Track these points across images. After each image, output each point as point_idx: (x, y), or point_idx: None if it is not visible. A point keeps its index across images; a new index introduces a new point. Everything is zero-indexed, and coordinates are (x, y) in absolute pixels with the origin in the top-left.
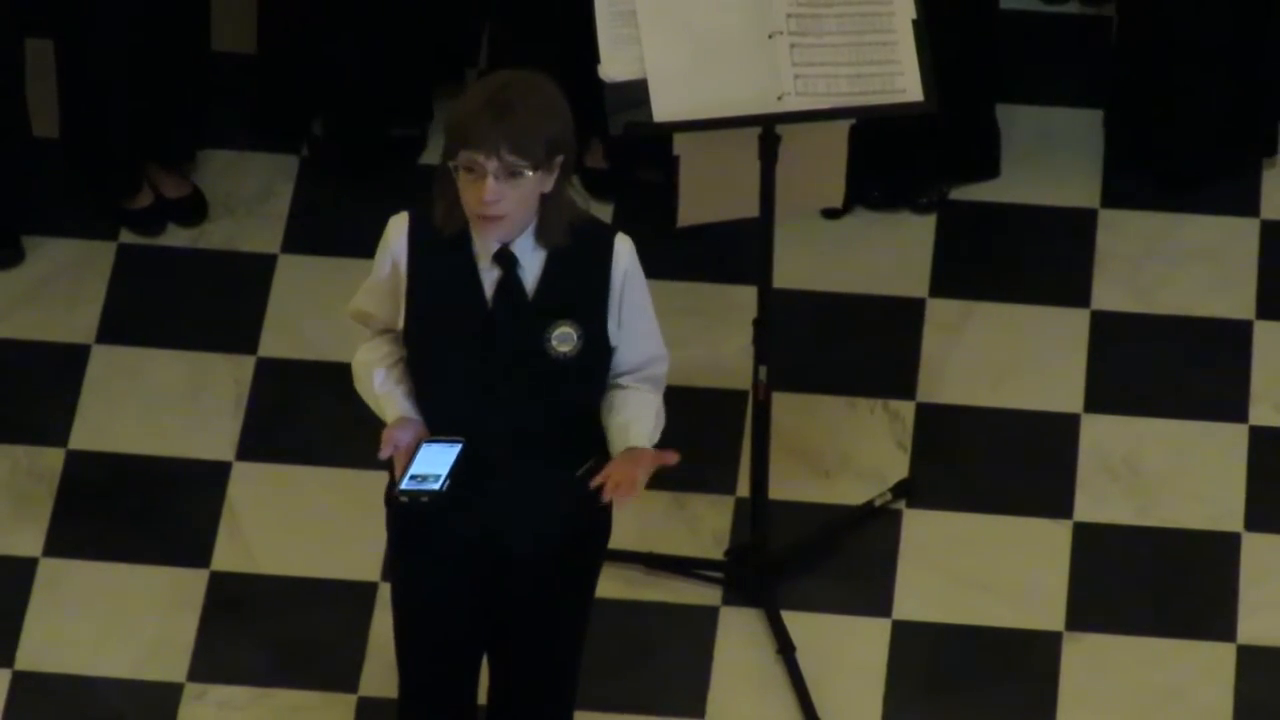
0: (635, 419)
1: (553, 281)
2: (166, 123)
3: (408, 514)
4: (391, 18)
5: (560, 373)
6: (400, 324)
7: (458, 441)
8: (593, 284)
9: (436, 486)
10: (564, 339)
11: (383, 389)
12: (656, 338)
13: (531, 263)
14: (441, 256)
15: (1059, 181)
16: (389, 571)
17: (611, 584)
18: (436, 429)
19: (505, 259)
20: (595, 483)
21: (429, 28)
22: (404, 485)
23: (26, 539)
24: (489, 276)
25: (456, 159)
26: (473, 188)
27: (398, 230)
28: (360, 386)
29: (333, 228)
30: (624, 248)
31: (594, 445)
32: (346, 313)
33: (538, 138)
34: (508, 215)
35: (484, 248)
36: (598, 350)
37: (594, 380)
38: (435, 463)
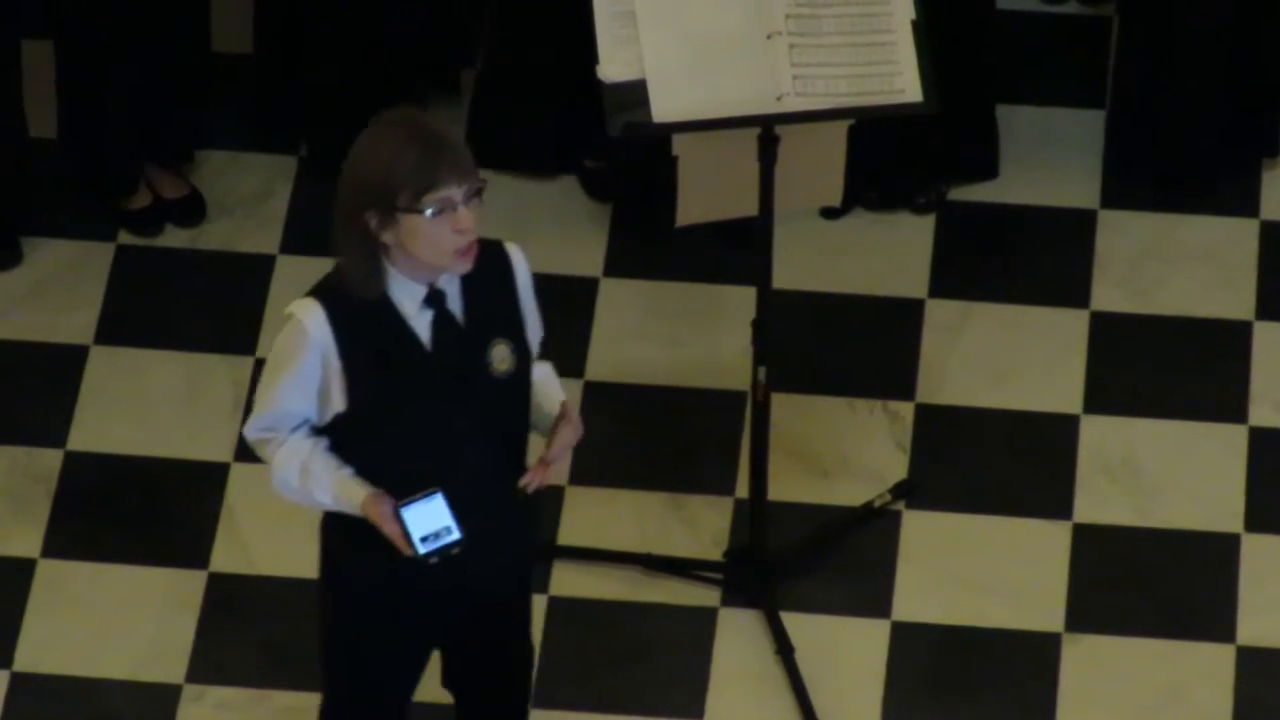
0: (544, 380)
1: (474, 306)
2: (165, 123)
3: (408, 569)
4: (388, 18)
5: (506, 392)
6: (327, 413)
7: (433, 493)
8: (505, 296)
9: (457, 536)
10: (502, 358)
11: (328, 475)
12: (540, 322)
13: (452, 294)
14: (367, 327)
15: (1058, 182)
16: (340, 616)
17: (610, 585)
18: (404, 490)
19: (436, 297)
20: (551, 455)
21: (425, 28)
22: (425, 550)
23: (25, 540)
24: (420, 323)
25: (419, 205)
26: (445, 225)
27: (316, 323)
28: (297, 486)
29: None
30: (518, 254)
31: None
32: (250, 437)
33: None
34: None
35: (406, 296)
36: (527, 359)
37: (528, 390)
38: (432, 519)
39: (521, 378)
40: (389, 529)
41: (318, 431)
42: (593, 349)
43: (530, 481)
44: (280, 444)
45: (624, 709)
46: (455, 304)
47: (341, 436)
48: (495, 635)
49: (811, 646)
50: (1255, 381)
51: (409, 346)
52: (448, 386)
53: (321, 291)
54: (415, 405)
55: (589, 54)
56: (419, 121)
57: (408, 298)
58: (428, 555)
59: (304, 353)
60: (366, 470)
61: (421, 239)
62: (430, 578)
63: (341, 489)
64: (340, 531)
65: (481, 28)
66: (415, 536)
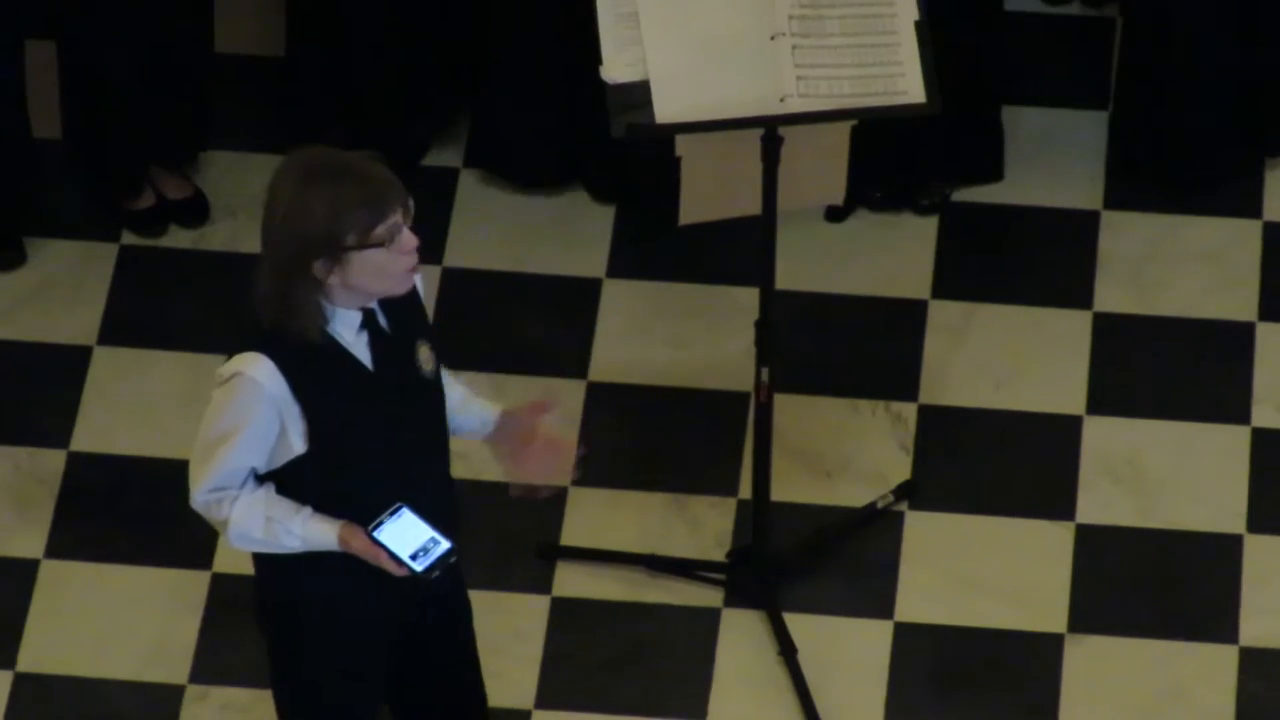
0: (466, 386)
1: (394, 316)
2: (169, 124)
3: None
4: (408, 21)
5: (436, 391)
6: (280, 460)
7: (398, 509)
8: (412, 296)
9: (448, 545)
10: (427, 357)
11: (292, 519)
12: None
13: (377, 308)
14: (315, 366)
15: (1062, 183)
16: (294, 653)
17: (613, 586)
18: (366, 516)
19: (369, 318)
20: (537, 479)
21: (442, 30)
22: (421, 567)
23: (28, 541)
24: (359, 347)
25: (370, 240)
26: (394, 250)
27: (268, 376)
28: (261, 537)
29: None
30: None
31: None
32: (200, 503)
33: None
34: None
35: (344, 326)
36: (439, 354)
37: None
38: (410, 535)
39: (439, 375)
40: (374, 556)
41: (260, 476)
42: (596, 350)
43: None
44: (234, 500)
45: (626, 710)
46: (381, 318)
47: (296, 476)
48: (461, 627)
49: (814, 647)
50: (1258, 382)
51: (356, 374)
52: (394, 400)
53: (261, 342)
54: (371, 428)
55: (592, 56)
56: (339, 161)
57: (345, 327)
58: (428, 571)
59: (260, 409)
60: (324, 504)
61: (373, 270)
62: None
63: (310, 530)
64: (282, 571)
65: (485, 32)
66: (404, 556)
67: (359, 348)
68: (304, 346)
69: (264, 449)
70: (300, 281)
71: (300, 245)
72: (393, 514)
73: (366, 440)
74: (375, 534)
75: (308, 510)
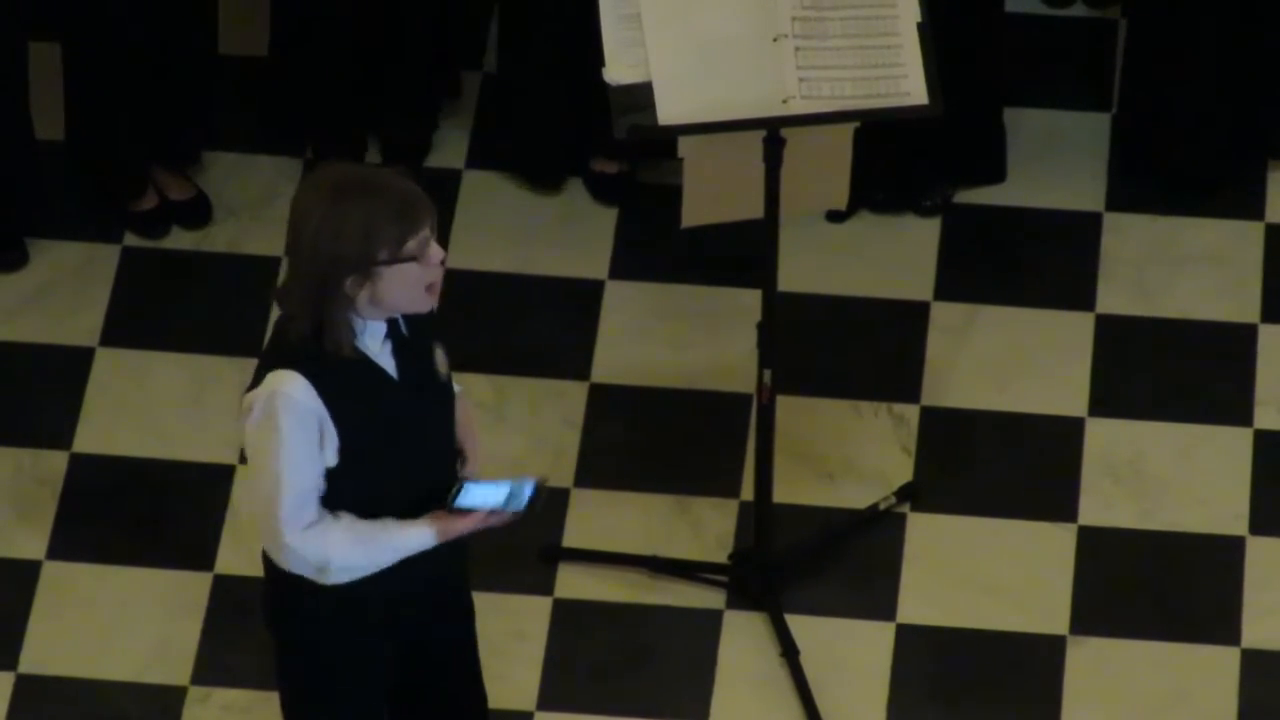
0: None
1: (412, 322)
2: (172, 125)
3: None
4: (394, 22)
5: (450, 393)
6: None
7: (461, 486)
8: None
9: (531, 480)
10: (441, 360)
11: (377, 535)
12: None
13: (400, 318)
14: (344, 380)
15: (1064, 185)
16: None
17: (615, 587)
18: (402, 514)
19: (394, 328)
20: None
21: (430, 32)
22: (523, 505)
23: (30, 542)
24: (384, 357)
25: (404, 252)
26: (424, 263)
27: (304, 392)
28: (366, 559)
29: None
30: None
31: None
32: (295, 542)
33: None
34: None
35: (371, 338)
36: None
37: None
38: (494, 495)
39: (450, 376)
40: (472, 524)
41: None
42: (598, 352)
43: None
44: (324, 529)
45: (629, 711)
46: (402, 325)
47: (329, 487)
48: (464, 634)
49: (816, 649)
50: (1260, 384)
51: (383, 384)
52: (417, 406)
53: (291, 359)
54: (398, 436)
55: (594, 57)
56: (367, 177)
57: (372, 339)
58: (532, 505)
59: (303, 423)
60: (351, 510)
61: (401, 284)
62: (392, 583)
63: (400, 542)
64: (292, 584)
65: (488, 32)
66: (498, 505)
67: (384, 358)
68: (334, 362)
69: (316, 461)
70: (332, 299)
71: (333, 263)
72: (460, 492)
73: (394, 447)
74: (456, 505)
75: (391, 522)
